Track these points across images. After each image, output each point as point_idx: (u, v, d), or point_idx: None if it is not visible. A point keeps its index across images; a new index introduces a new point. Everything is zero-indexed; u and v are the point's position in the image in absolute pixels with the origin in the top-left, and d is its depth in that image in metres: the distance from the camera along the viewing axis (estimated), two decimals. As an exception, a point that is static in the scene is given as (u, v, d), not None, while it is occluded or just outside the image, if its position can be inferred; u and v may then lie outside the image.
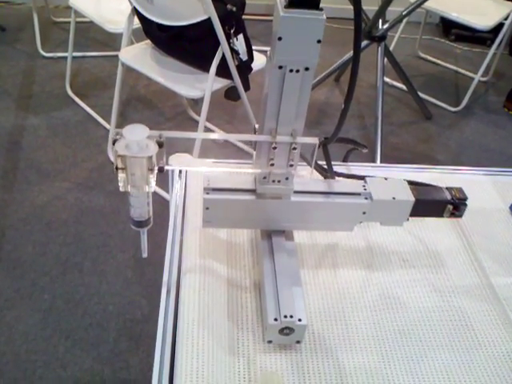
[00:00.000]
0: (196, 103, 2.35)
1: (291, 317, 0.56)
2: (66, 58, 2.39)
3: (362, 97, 2.61)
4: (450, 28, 3.18)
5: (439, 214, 0.68)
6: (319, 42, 0.51)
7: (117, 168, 0.53)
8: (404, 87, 2.55)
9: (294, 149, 0.58)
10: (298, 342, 0.59)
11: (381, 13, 2.12)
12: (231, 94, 1.79)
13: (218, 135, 0.63)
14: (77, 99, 2.37)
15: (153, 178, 0.54)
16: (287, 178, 0.61)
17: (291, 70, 0.52)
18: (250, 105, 1.87)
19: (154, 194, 1.92)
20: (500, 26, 2.35)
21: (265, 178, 0.61)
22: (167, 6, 1.56)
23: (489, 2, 2.52)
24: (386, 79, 2.68)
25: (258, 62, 1.81)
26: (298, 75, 0.53)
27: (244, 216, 0.63)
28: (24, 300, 1.53)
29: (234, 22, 1.59)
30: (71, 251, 1.69)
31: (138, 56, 1.83)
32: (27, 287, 1.57)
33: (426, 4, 2.24)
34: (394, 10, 2.28)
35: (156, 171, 0.55)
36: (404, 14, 2.18)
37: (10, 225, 1.75)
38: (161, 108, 2.40)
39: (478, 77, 2.47)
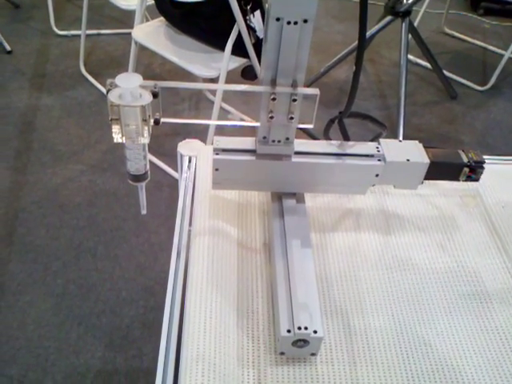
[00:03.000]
0: (212, 82, 2.29)
1: (306, 329, 0.51)
2: (80, 36, 2.34)
3: (384, 75, 2.51)
4: (478, 1, 3.03)
5: (455, 178, 0.66)
6: None
7: (111, 119, 0.52)
8: (428, 65, 2.44)
9: (294, 100, 0.55)
10: (313, 354, 0.54)
11: (405, -14, 2.02)
12: (248, 73, 1.73)
13: (216, 86, 0.58)
14: (91, 78, 2.32)
15: (148, 130, 0.53)
16: (288, 138, 0.58)
17: (289, 23, 0.50)
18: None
19: (168, 176, 1.88)
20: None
21: (265, 137, 0.58)
22: (180, -20, 1.49)
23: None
24: (410, 57, 2.57)
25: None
26: (296, 27, 0.50)
27: (250, 178, 0.60)
28: (37, 285, 1.51)
29: (250, -3, 1.52)
30: (84, 235, 1.66)
31: (152, 34, 1.77)
32: (40, 272, 1.55)
33: (454, -24, 2.12)
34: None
35: (152, 123, 0.54)
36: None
37: (23, 208, 1.73)
38: (176, 88, 2.34)
39: (507, 53, 2.35)
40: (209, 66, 1.62)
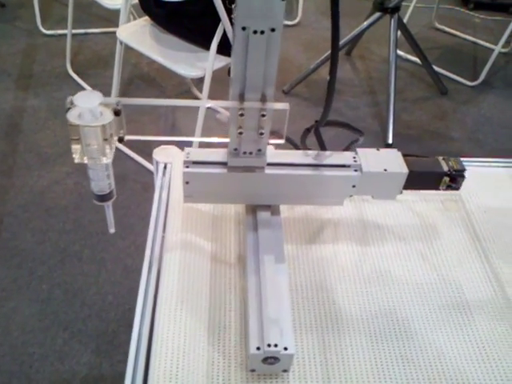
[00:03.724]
0: (200, 81, 2.26)
1: (276, 346, 0.49)
2: (66, 35, 2.31)
3: (374, 72, 2.49)
4: (468, -4, 3.01)
5: (435, 187, 0.64)
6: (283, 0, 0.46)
7: (71, 139, 0.50)
8: (419, 61, 2.42)
9: (264, 116, 0.53)
10: (285, 370, 0.52)
11: (394, -18, 2.00)
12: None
13: (182, 102, 0.56)
14: (78, 78, 2.29)
15: (110, 149, 0.51)
16: (260, 150, 0.56)
17: (255, 32, 0.48)
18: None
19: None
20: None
21: (236, 149, 0.56)
22: (163, -21, 1.47)
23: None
24: (400, 52, 2.55)
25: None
26: (263, 37, 0.48)
27: (222, 191, 0.58)
28: (22, 290, 1.49)
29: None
30: (70, 239, 1.64)
31: (137, 34, 1.75)
32: (25, 277, 1.53)
33: (443, -29, 2.10)
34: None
35: (115, 141, 0.52)
36: (419, -18, 2.05)
37: (9, 212, 1.71)
38: (164, 87, 2.32)
39: (498, 48, 2.34)
40: (194, 65, 1.60)
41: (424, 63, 2.33)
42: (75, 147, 0.50)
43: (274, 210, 0.61)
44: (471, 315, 0.59)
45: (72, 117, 0.48)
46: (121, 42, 1.77)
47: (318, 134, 0.63)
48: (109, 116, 0.49)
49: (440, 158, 0.63)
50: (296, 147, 0.66)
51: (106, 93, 2.16)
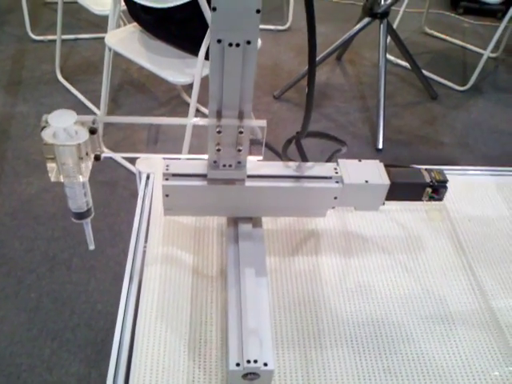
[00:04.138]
0: (190, 87, 2.26)
1: (255, 362, 0.48)
2: (56, 41, 2.30)
3: (364, 77, 2.49)
4: (458, 1, 3.02)
5: (418, 198, 0.64)
6: (258, 11, 0.46)
7: (46, 158, 0.50)
8: (409, 66, 2.43)
9: (241, 132, 0.53)
10: (265, 386, 0.52)
11: (383, -12, 2.00)
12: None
13: (155, 119, 0.56)
14: (67, 84, 2.28)
15: (86, 168, 0.51)
16: (239, 162, 0.56)
17: (230, 44, 0.47)
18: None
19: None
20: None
21: (215, 162, 0.56)
22: (151, -14, 1.46)
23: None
24: (390, 57, 2.56)
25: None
26: (239, 50, 0.48)
27: (203, 203, 0.58)
28: (10, 299, 1.48)
29: None
30: (59, 247, 1.63)
31: (125, 40, 1.74)
32: (13, 285, 1.51)
33: (432, -23, 2.11)
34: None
35: (92, 159, 0.52)
36: (408, -12, 2.05)
37: (-4, 219, 1.70)
38: (154, 92, 2.31)
39: (487, 53, 2.34)
40: (183, 71, 1.59)
41: (414, 68, 2.34)
42: (51, 166, 0.50)
43: (255, 221, 0.61)
44: (455, 327, 0.59)
45: (47, 136, 0.48)
46: (109, 49, 1.76)
47: (300, 146, 0.62)
48: (84, 135, 0.49)
49: (423, 169, 0.63)
50: (278, 155, 0.66)
51: (96, 99, 2.16)
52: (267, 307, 0.53)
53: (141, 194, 0.73)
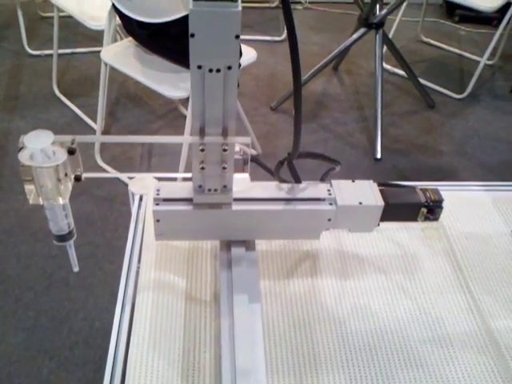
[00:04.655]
0: (187, 100, 2.26)
1: (248, 393, 0.47)
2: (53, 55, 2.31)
3: (362, 86, 2.49)
4: (453, 9, 3.03)
5: (413, 218, 0.63)
6: (237, 37, 0.45)
7: (24, 180, 0.49)
8: (406, 74, 2.43)
9: (225, 150, 0.51)
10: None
11: (378, -2, 2.00)
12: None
13: (135, 138, 0.55)
14: (64, 99, 2.28)
15: (66, 189, 0.50)
16: (225, 186, 0.55)
17: (211, 70, 0.46)
18: (246, 98, 1.78)
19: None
20: (507, 4, 2.21)
21: (200, 186, 0.55)
22: (146, 2, 1.46)
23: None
24: (387, 66, 2.56)
25: (247, 57, 1.72)
26: (220, 75, 0.47)
27: (192, 227, 0.57)
28: (7, 318, 1.47)
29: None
30: (57, 263, 1.62)
31: (121, 54, 1.74)
32: (11, 304, 1.50)
33: (427, -14, 2.11)
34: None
35: (72, 180, 0.51)
36: (403, -2, 2.06)
37: (-6, 237, 1.69)
38: (151, 106, 2.31)
39: (483, 60, 2.34)
40: (178, 86, 1.59)
41: (410, 77, 2.34)
42: (29, 188, 0.49)
43: (249, 244, 0.60)
44: (453, 350, 0.58)
45: (23, 158, 0.47)
46: (105, 64, 1.76)
47: (292, 167, 0.61)
48: (62, 156, 0.48)
49: (417, 189, 0.62)
50: (270, 172, 0.65)
51: (93, 113, 2.15)
52: (260, 337, 0.52)
53: (134, 216, 0.72)
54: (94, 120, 2.14)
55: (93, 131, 2.11)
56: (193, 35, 0.43)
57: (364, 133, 2.20)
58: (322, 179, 0.82)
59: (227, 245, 0.60)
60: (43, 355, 1.38)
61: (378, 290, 0.63)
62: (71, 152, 0.48)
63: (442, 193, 0.81)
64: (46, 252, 1.65)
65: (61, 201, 0.50)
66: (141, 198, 0.76)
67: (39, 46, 2.62)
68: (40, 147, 0.46)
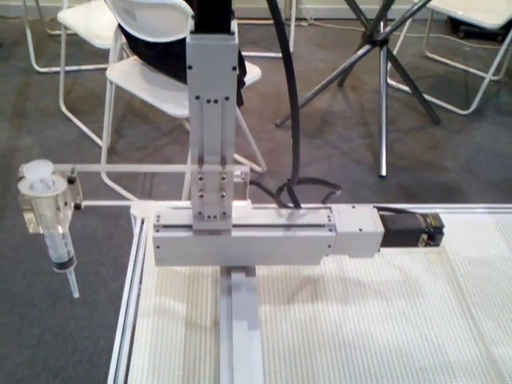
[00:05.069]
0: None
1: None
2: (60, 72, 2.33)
3: (367, 103, 2.50)
4: (458, 25, 3.04)
5: (413, 244, 0.63)
6: (235, 69, 0.45)
7: (23, 209, 0.49)
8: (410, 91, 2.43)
9: (223, 179, 0.52)
10: None
11: (381, 16, 2.01)
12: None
13: (131, 167, 0.55)
14: (71, 116, 2.30)
15: (65, 218, 0.50)
16: (225, 213, 0.55)
17: (208, 101, 0.47)
18: (251, 115, 1.79)
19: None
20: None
21: (200, 213, 0.55)
22: (150, 22, 1.48)
23: (498, -3, 2.39)
24: (392, 82, 2.56)
25: (252, 75, 1.73)
26: (218, 105, 0.47)
27: (192, 254, 0.57)
28: (12, 336, 1.47)
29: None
30: (62, 281, 1.63)
31: (126, 73, 1.76)
32: (16, 322, 1.50)
33: (431, 3, 2.12)
34: (397, 9, 2.18)
35: (71, 208, 0.51)
36: (407, 15, 2.07)
37: (0, 254, 1.70)
38: (157, 122, 2.32)
39: (488, 76, 2.35)
40: (182, 104, 1.60)
41: (415, 93, 2.34)
42: (29, 217, 0.49)
43: (249, 270, 0.60)
44: (455, 379, 0.58)
45: (23, 187, 0.47)
46: (111, 82, 1.78)
47: (292, 193, 0.62)
48: (62, 185, 0.48)
49: (418, 214, 0.62)
50: (270, 195, 0.65)
51: (99, 130, 2.17)
52: (260, 364, 0.52)
53: (135, 239, 0.72)
54: (101, 137, 2.16)
55: (99, 148, 2.13)
56: (190, 67, 0.44)
57: (369, 149, 2.20)
58: (324, 202, 0.83)
59: (227, 270, 0.60)
60: (47, 373, 1.38)
61: (379, 316, 0.63)
62: (71, 181, 0.48)
63: (445, 215, 0.80)
64: (52, 269, 1.65)
65: (60, 230, 0.50)
66: (143, 221, 0.76)
67: (47, 64, 2.65)
68: (39, 177, 0.47)
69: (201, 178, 0.51)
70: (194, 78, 0.45)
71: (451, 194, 2.00)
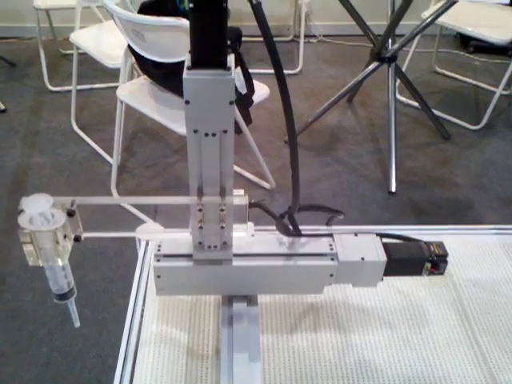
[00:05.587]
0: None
1: None
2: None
3: (376, 118, 2.50)
4: (468, 40, 3.03)
5: (417, 273, 0.62)
6: (232, 103, 0.45)
7: (22, 242, 0.50)
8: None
9: (222, 210, 0.52)
10: None
11: (389, 33, 2.02)
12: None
13: (129, 199, 0.56)
14: (82, 134, 2.33)
15: (65, 250, 0.51)
16: (225, 243, 0.55)
17: (206, 134, 0.47)
18: (260, 132, 1.80)
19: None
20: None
21: (200, 243, 0.55)
22: (159, 43, 1.50)
23: (507, 12, 2.39)
24: (401, 98, 2.56)
25: (260, 93, 1.74)
26: (215, 139, 0.48)
27: (192, 283, 0.57)
28: (21, 354, 1.47)
29: (229, 56, 1.53)
30: (71, 299, 1.63)
31: (136, 92, 1.78)
32: (25, 340, 1.51)
33: (440, 19, 2.12)
34: (406, 24, 2.18)
35: (71, 240, 0.52)
36: (415, 32, 2.07)
37: (11, 272, 1.71)
38: (167, 140, 2.34)
39: (499, 90, 2.33)
40: (192, 123, 1.61)
41: (425, 109, 2.34)
42: (28, 250, 0.50)
43: (250, 299, 0.60)
44: (459, 408, 0.57)
45: (23, 221, 0.48)
46: (121, 101, 1.80)
47: (292, 221, 0.62)
48: (61, 218, 0.49)
49: (421, 243, 0.61)
50: (273, 217, 0.65)
51: (110, 148, 2.19)
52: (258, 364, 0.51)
53: (139, 262, 0.73)
54: (111, 154, 2.18)
55: (109, 165, 2.15)
56: (187, 102, 0.44)
57: (378, 165, 2.19)
58: (328, 224, 0.82)
59: (229, 299, 0.60)
60: (56, 393, 1.39)
61: (382, 344, 0.62)
62: (70, 214, 0.49)
63: (450, 237, 0.80)
64: (61, 287, 1.66)
65: (60, 262, 0.51)
66: (147, 243, 0.77)
67: (59, 83, 2.69)
68: (39, 211, 0.47)
69: (200, 210, 0.51)
70: (191, 113, 0.45)
71: (462, 210, 1.98)
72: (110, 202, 0.53)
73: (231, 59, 0.44)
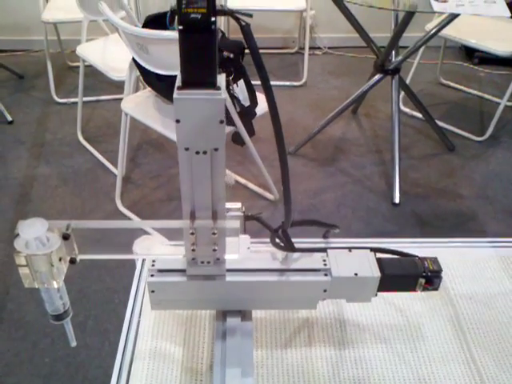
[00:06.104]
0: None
1: None
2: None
3: (380, 130, 2.50)
4: (473, 51, 3.04)
5: (412, 289, 0.62)
6: (222, 122, 0.46)
7: (18, 265, 0.51)
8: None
9: (214, 234, 0.52)
10: None
11: (393, 45, 2.03)
12: (237, 138, 1.74)
13: (126, 223, 0.56)
14: (88, 146, 2.35)
15: (60, 273, 0.51)
16: (218, 259, 0.55)
17: (197, 152, 0.48)
18: (264, 143, 1.81)
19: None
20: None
21: (194, 259, 0.56)
22: (162, 55, 1.52)
23: (511, 24, 2.39)
24: (405, 109, 2.57)
25: (263, 105, 1.75)
26: (206, 157, 0.48)
27: (187, 298, 0.57)
28: (24, 365, 1.48)
29: (232, 68, 1.54)
30: (74, 309, 1.61)
31: (140, 105, 1.80)
32: (28, 350, 1.52)
33: (444, 31, 2.13)
34: (410, 36, 2.19)
35: (67, 263, 0.52)
36: (419, 44, 2.08)
37: (15, 282, 1.72)
38: (172, 152, 2.36)
39: (504, 101, 2.33)
40: (195, 135, 1.63)
41: (429, 121, 2.34)
42: (24, 273, 0.51)
43: (244, 314, 0.60)
44: (453, 423, 0.56)
45: (18, 245, 0.49)
46: (126, 113, 1.82)
47: (286, 236, 0.62)
48: (56, 242, 0.49)
49: (416, 258, 0.61)
50: (269, 229, 0.65)
51: (115, 159, 2.21)
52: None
53: (136, 273, 0.73)
54: (116, 166, 2.20)
55: (114, 176, 2.16)
56: (178, 121, 0.45)
57: (383, 177, 2.19)
58: (325, 237, 0.83)
59: (223, 314, 0.60)
60: (57, 404, 1.39)
61: (377, 359, 0.62)
62: (65, 238, 0.50)
63: (447, 249, 0.80)
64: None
65: (55, 284, 0.51)
66: (144, 260, 0.77)
67: (66, 94, 2.72)
68: (34, 236, 0.48)
69: (192, 233, 0.52)
70: (182, 131, 0.46)
71: (466, 222, 1.97)
72: (103, 227, 0.54)
73: (221, 79, 0.45)
